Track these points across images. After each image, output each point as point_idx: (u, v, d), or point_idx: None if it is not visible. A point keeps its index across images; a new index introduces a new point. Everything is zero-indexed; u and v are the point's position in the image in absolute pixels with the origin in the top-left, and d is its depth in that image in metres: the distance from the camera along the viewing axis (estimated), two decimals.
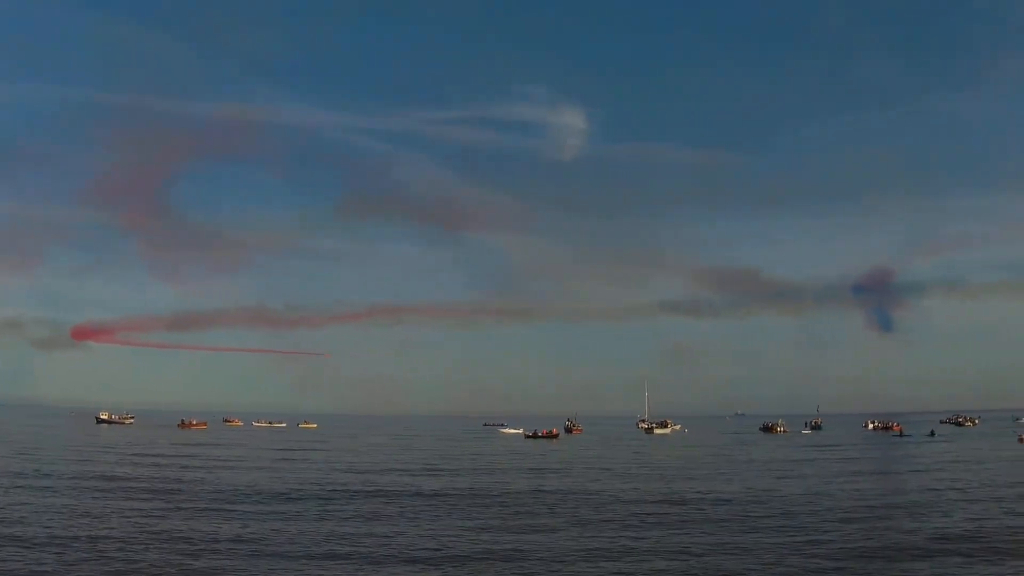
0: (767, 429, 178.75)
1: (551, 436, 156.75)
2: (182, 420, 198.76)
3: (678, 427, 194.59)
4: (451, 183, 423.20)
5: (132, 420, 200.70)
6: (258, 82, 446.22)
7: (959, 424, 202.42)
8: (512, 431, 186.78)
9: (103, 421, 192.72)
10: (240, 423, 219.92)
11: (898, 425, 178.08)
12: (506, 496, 50.65)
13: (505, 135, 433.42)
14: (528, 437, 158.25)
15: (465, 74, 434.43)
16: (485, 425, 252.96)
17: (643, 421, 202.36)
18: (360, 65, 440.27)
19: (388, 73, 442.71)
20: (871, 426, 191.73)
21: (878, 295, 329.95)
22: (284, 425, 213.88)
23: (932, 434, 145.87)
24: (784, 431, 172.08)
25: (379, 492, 52.16)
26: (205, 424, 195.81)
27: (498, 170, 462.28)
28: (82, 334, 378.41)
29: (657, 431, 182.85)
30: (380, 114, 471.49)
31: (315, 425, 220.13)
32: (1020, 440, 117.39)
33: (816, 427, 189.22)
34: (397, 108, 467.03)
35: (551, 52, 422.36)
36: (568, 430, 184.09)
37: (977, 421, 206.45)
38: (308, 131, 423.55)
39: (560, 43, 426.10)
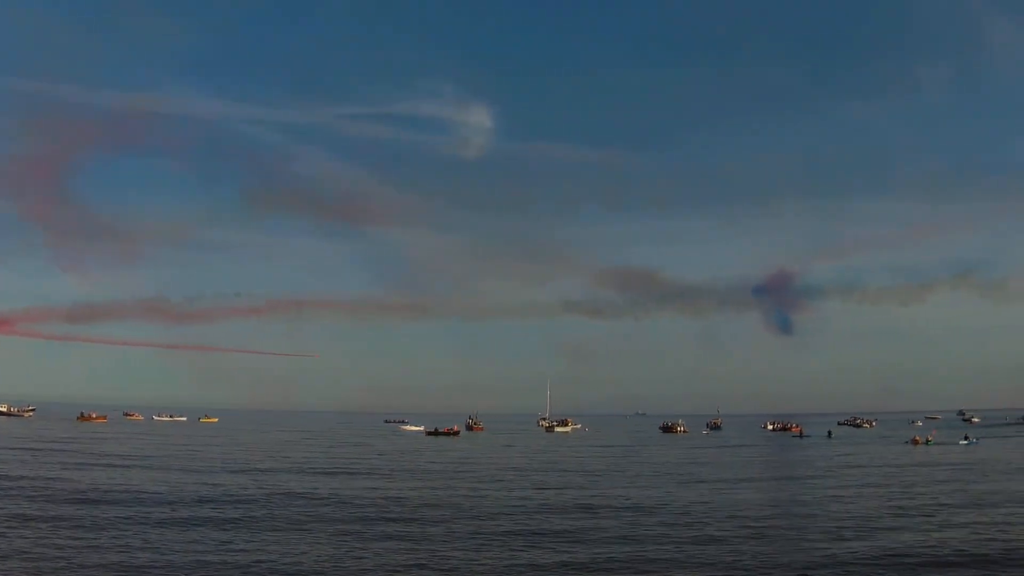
0: (667, 429, 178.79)
1: (452, 434, 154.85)
2: (81, 413, 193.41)
3: (579, 426, 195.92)
4: (356, 178, 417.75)
5: (32, 412, 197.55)
6: (164, 72, 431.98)
7: (857, 426, 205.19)
8: (413, 428, 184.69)
9: (2, 414, 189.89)
10: (140, 417, 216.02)
11: (797, 426, 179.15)
12: (392, 503, 47.59)
13: (410, 131, 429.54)
14: (429, 434, 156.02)
15: (372, 69, 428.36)
16: (386, 422, 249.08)
17: (544, 419, 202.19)
18: (266, 57, 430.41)
19: (294, 66, 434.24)
20: (770, 427, 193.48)
21: (778, 297, 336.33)
22: (185, 419, 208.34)
23: (829, 435, 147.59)
24: (684, 431, 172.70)
25: (249, 498, 47.44)
26: (105, 417, 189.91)
27: (403, 166, 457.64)
28: None
29: (558, 429, 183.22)
30: (285, 107, 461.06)
31: (216, 420, 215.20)
32: (914, 442, 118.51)
33: (716, 427, 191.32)
34: (303, 101, 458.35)
35: (458, 49, 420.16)
36: (469, 427, 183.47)
37: (874, 423, 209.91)
38: (212, 123, 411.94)
39: (467, 41, 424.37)
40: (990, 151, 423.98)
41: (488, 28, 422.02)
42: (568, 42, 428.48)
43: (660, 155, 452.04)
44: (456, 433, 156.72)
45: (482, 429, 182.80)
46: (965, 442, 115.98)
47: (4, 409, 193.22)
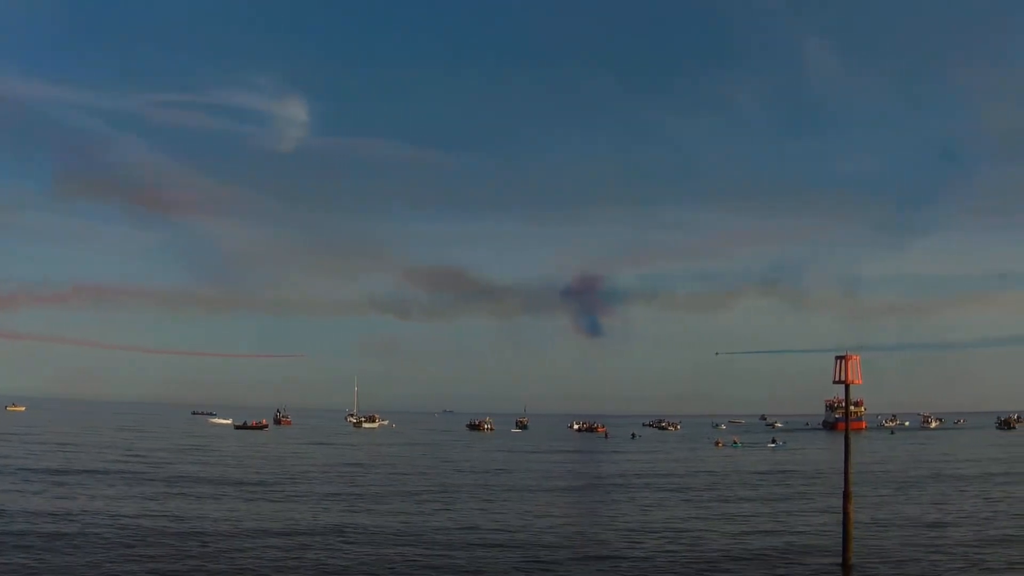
0: (475, 427, 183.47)
1: (260, 427, 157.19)
2: None
3: (386, 422, 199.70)
4: (169, 167, 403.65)
5: None
6: None
7: (661, 428, 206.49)
8: (222, 421, 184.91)
9: None
10: None
11: (602, 427, 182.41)
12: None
13: (227, 121, 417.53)
14: (238, 428, 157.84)
15: (190, 58, 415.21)
16: (194, 414, 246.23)
17: (352, 415, 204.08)
18: (80, 40, 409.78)
19: (110, 51, 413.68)
20: (576, 427, 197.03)
21: (587, 300, 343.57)
22: None
23: (633, 437, 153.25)
24: (491, 429, 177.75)
25: None
26: None
27: (218, 157, 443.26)
28: None
29: (365, 425, 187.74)
30: (100, 92, 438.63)
31: (23, 408, 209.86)
32: (717, 445, 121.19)
33: (523, 426, 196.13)
34: (118, 87, 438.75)
35: (278, 42, 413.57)
36: (277, 421, 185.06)
37: (679, 426, 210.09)
38: (22, 103, 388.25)
39: (288, 33, 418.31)
40: (801, 167, 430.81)
41: (307, 21, 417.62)
42: (389, 40, 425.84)
43: (476, 157, 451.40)
44: (264, 427, 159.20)
45: (290, 423, 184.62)
46: (773, 445, 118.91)
47: None
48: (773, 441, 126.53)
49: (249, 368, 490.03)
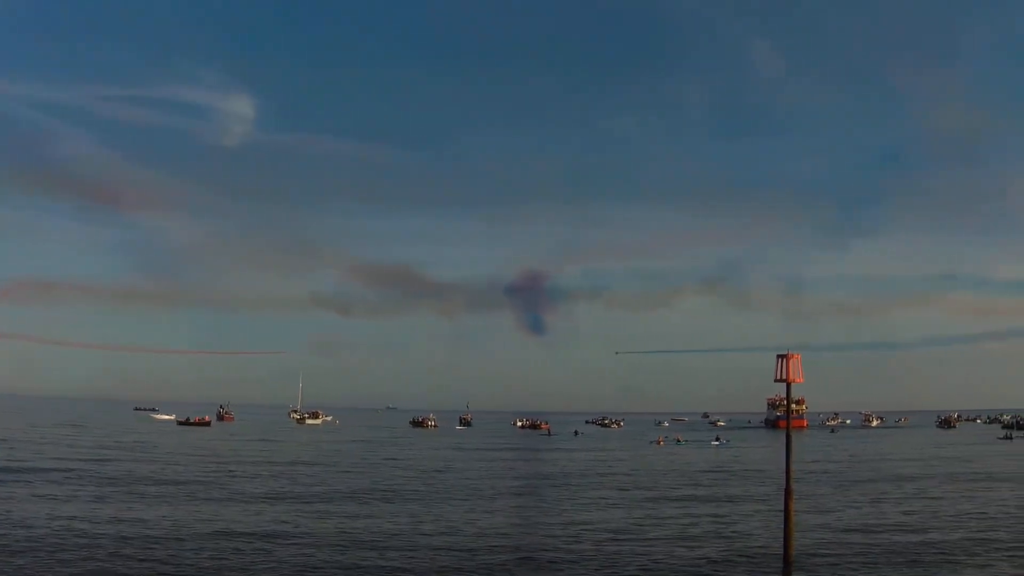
0: (418, 424, 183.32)
1: (203, 423, 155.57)
2: None
3: (329, 418, 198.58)
4: (114, 161, 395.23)
5: None
6: None
7: (605, 426, 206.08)
8: (165, 417, 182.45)
9: None
10: None
11: (546, 424, 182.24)
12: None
13: (172, 117, 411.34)
14: (180, 424, 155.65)
15: (136, 52, 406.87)
16: (136, 410, 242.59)
17: (296, 411, 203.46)
18: (25, 33, 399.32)
19: (55, 44, 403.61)
20: (519, 424, 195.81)
21: (530, 298, 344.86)
22: None
23: (576, 434, 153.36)
24: (435, 426, 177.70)
25: None
26: None
27: (163, 152, 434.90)
28: None
29: (309, 422, 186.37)
30: (45, 85, 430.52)
31: None
32: (658, 443, 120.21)
33: (467, 423, 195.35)
34: (63, 81, 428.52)
35: (224, 37, 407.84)
36: (220, 417, 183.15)
37: (622, 423, 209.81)
38: None
39: (234, 29, 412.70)
40: (745, 167, 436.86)
41: (253, 17, 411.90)
42: (335, 37, 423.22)
43: (422, 154, 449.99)
44: (207, 423, 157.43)
45: (233, 419, 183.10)
46: (717, 443, 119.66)
47: None
48: (717, 439, 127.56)
49: (193, 364, 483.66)
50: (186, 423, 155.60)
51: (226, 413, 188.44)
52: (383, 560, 31.01)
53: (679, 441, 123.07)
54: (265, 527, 37.71)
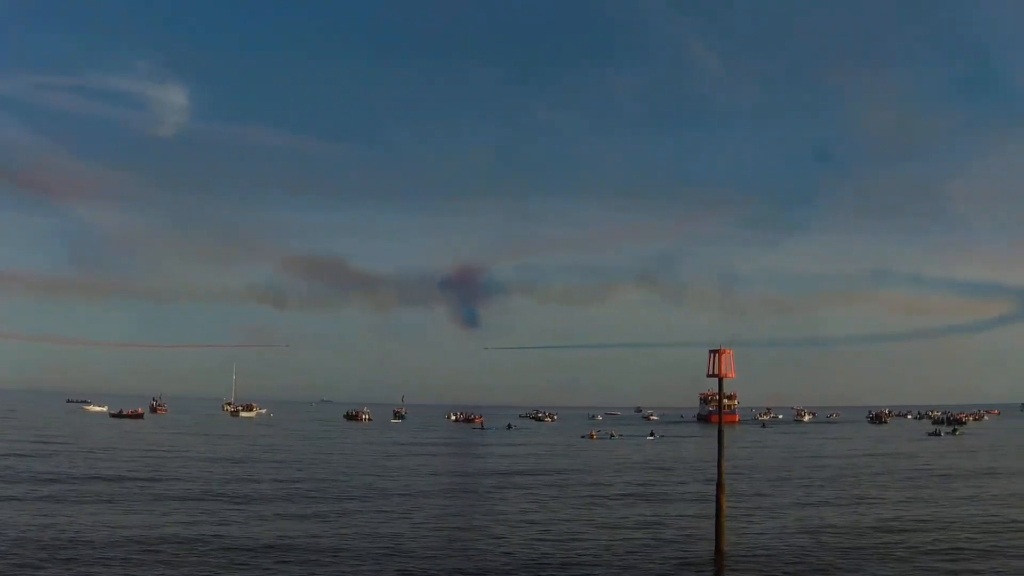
0: (352, 417, 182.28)
1: (136, 416, 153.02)
2: None
3: (263, 411, 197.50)
4: (47, 150, 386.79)
5: None
6: None
7: (538, 419, 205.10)
8: (97, 409, 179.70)
9: None
10: None
11: (479, 417, 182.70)
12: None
13: (106, 106, 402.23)
14: (113, 416, 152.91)
15: (69, 40, 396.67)
16: (69, 402, 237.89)
17: (229, 404, 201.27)
18: None
19: None
20: (453, 417, 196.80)
21: (464, 292, 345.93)
22: None
23: (510, 427, 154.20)
24: (368, 419, 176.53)
25: None
26: None
27: (97, 141, 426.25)
28: None
29: (243, 414, 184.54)
30: None
31: None
32: (591, 436, 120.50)
33: (401, 416, 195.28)
34: None
35: (158, 26, 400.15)
36: (153, 409, 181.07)
37: (555, 417, 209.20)
38: None
39: (168, 18, 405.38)
40: (680, 163, 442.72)
41: (188, 6, 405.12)
42: (271, 27, 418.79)
43: (357, 146, 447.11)
44: (140, 415, 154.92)
45: (166, 411, 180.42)
46: (651, 438, 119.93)
47: None
48: (652, 434, 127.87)
49: (126, 356, 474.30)
50: (118, 415, 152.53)
51: (159, 405, 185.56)
52: (315, 564, 30.10)
53: (613, 436, 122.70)
54: (192, 530, 36.03)
